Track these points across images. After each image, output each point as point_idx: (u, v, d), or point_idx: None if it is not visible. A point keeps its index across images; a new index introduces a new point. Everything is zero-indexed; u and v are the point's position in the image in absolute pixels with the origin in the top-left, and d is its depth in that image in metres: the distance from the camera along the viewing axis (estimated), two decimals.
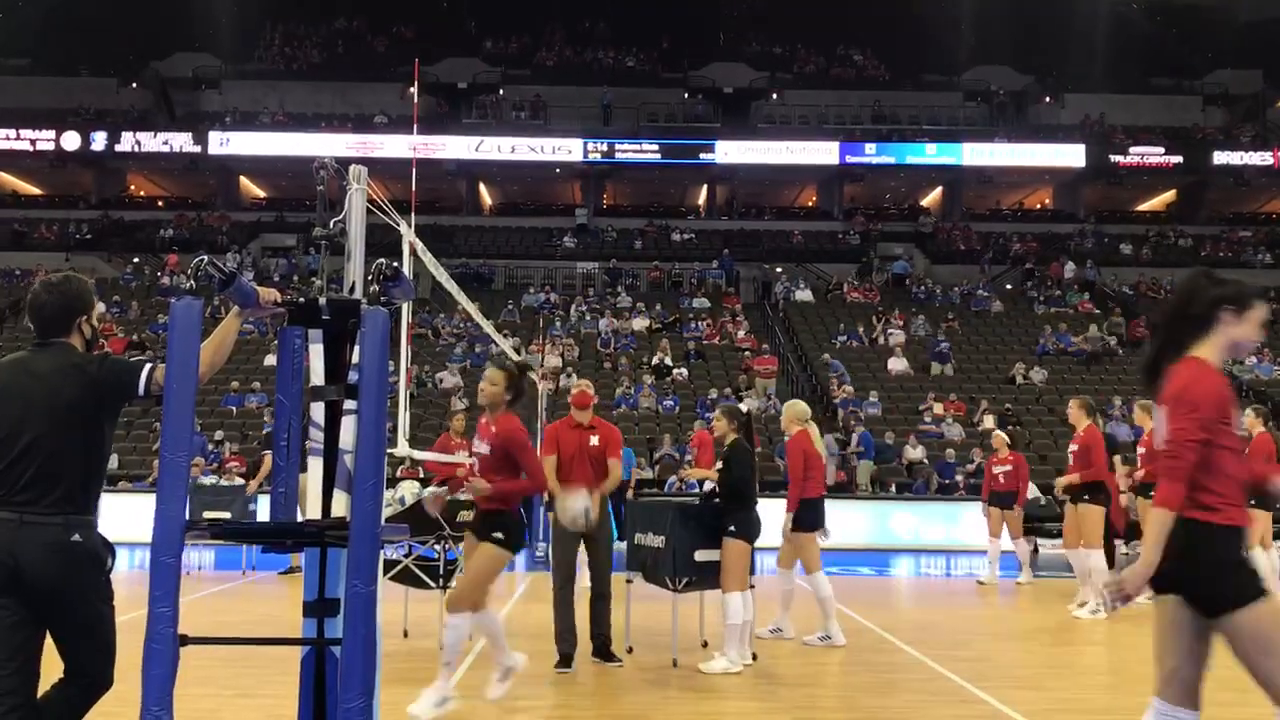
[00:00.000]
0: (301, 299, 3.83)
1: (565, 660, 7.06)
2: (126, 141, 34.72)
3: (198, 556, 14.10)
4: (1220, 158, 35.55)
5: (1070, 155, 35.53)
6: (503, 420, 5.92)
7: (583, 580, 7.46)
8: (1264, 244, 34.50)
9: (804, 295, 30.25)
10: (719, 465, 7.59)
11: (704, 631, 8.09)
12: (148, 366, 3.77)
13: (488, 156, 34.85)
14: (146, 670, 3.26)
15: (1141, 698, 6.53)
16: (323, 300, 3.78)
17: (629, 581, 7.80)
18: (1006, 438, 13.53)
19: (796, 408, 8.48)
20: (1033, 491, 19.31)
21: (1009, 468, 13.01)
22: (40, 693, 3.76)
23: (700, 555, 7.23)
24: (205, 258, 3.69)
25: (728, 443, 7.46)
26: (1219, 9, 43.03)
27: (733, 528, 7.20)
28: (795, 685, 6.85)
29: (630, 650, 7.62)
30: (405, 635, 8.19)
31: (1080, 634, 9.20)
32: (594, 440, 7.23)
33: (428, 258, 7.11)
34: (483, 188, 38.77)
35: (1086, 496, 10.42)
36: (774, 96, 38.36)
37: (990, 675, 7.14)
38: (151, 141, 34.86)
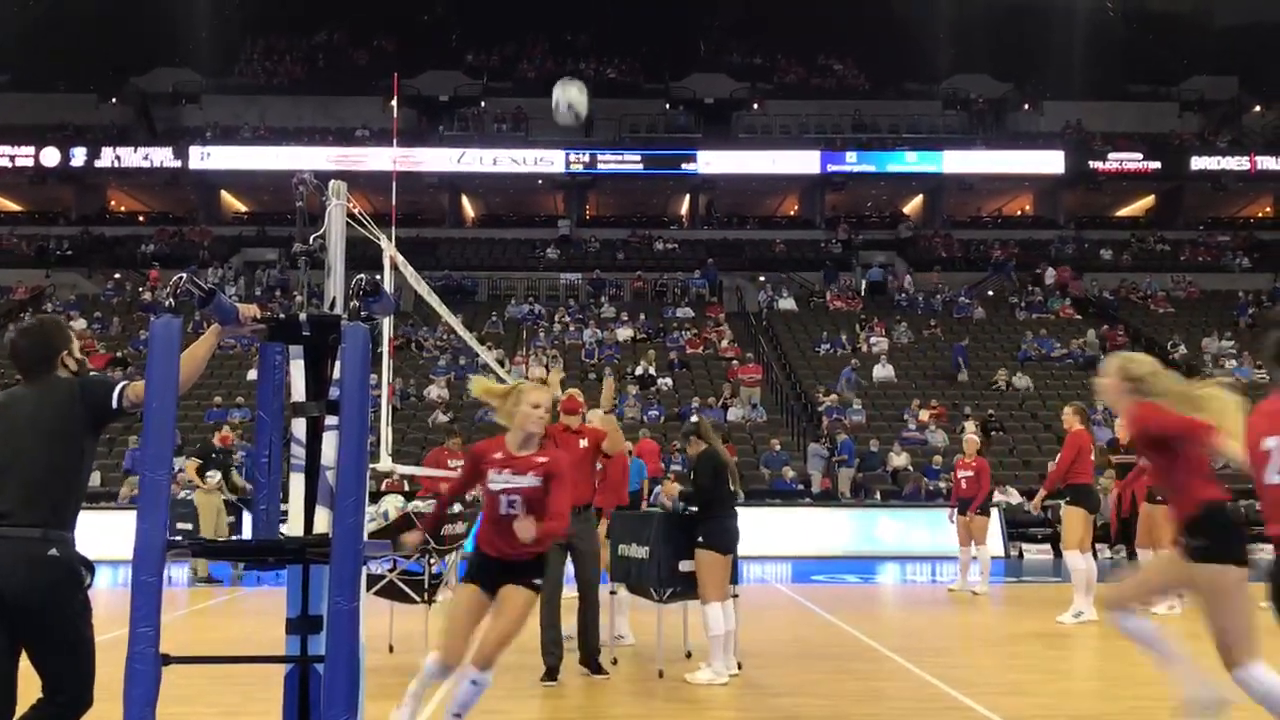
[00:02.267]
0: (281, 315, 3.83)
1: (551, 673, 7.05)
2: (106, 157, 34.54)
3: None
4: (1198, 163, 35.81)
5: (1049, 162, 35.74)
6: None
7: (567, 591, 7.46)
8: (1242, 248, 34.76)
9: (786, 304, 30.33)
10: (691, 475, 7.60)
11: (688, 642, 8.08)
12: (121, 383, 3.83)
13: (470, 168, 34.84)
14: (128, 690, 3.24)
15: (1129, 702, 6.57)
16: (303, 316, 3.77)
17: (613, 593, 7.80)
18: (978, 442, 13.44)
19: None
20: (1015, 497, 19.41)
21: (971, 473, 12.90)
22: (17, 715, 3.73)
23: (684, 566, 7.23)
24: (185, 275, 3.69)
25: (694, 454, 7.48)
26: (1195, 16, 43.47)
27: (701, 539, 7.21)
28: (783, 694, 6.85)
29: (615, 662, 7.61)
30: (391, 650, 8.15)
31: (1066, 640, 9.22)
32: (582, 443, 7.33)
33: (409, 271, 7.10)
34: (465, 200, 38.75)
35: (1068, 499, 10.43)
36: (755, 106, 38.50)
37: (976, 682, 7.15)
38: (132, 157, 34.70)
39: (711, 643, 7.10)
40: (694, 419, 7.87)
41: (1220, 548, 4.52)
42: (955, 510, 13.04)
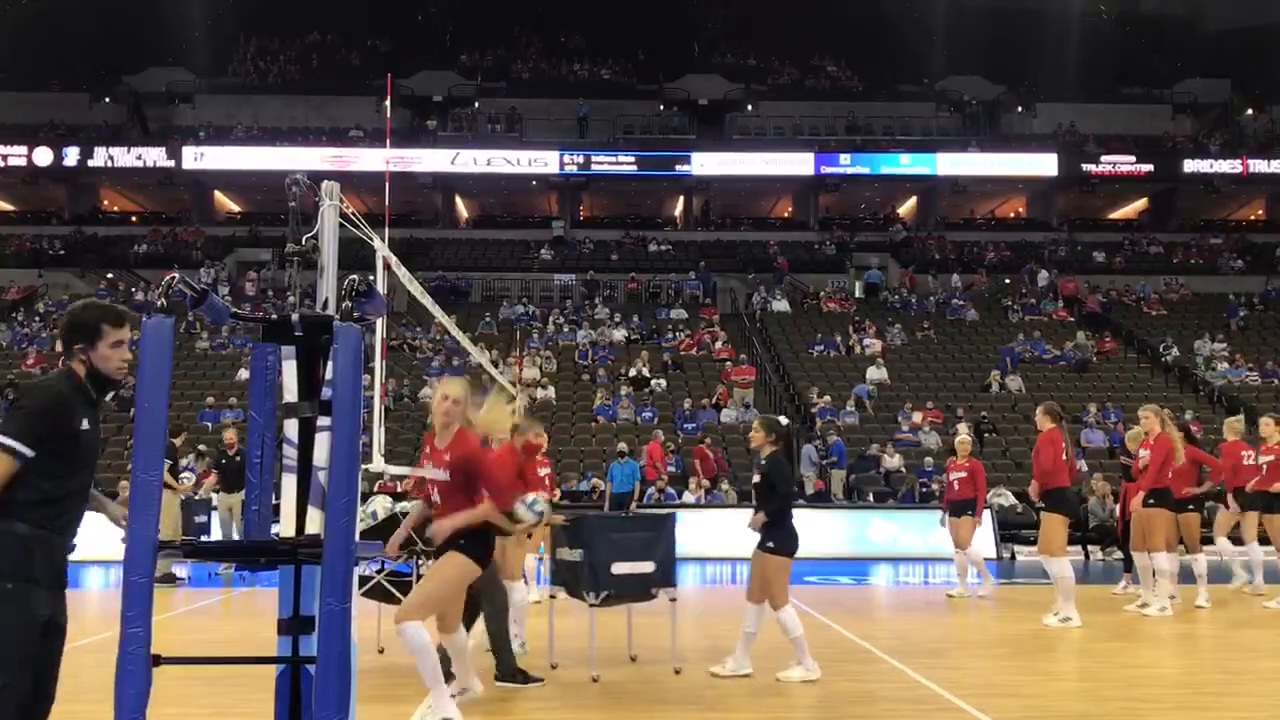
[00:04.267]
0: (274, 315, 3.82)
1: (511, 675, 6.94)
2: (99, 156, 34.51)
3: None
4: (1190, 166, 35.93)
5: (1043, 164, 35.82)
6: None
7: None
8: (1234, 250, 34.86)
9: (780, 305, 30.36)
10: (756, 478, 7.50)
11: (632, 645, 8.03)
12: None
13: (464, 169, 34.84)
14: (119, 691, 3.24)
15: (1119, 703, 6.59)
16: (295, 316, 3.77)
17: (552, 597, 7.66)
18: (969, 443, 13.31)
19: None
20: (1008, 499, 19.43)
21: (964, 474, 12.70)
22: None
23: (619, 568, 7.03)
24: (176, 275, 3.68)
25: (765, 455, 7.39)
26: (1188, 19, 43.60)
27: (770, 543, 7.20)
28: (775, 695, 6.86)
29: (555, 666, 7.49)
30: (381, 652, 8.14)
31: (1057, 641, 9.24)
32: (543, 472, 7.37)
33: (402, 272, 7.09)
34: (459, 200, 38.74)
35: (1044, 504, 10.34)
36: (749, 108, 38.54)
37: (968, 683, 7.17)
38: (125, 156, 34.66)
39: (795, 643, 7.17)
40: (784, 420, 7.71)
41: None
42: (946, 514, 12.86)
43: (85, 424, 3.70)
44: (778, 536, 7.20)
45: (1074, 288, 31.22)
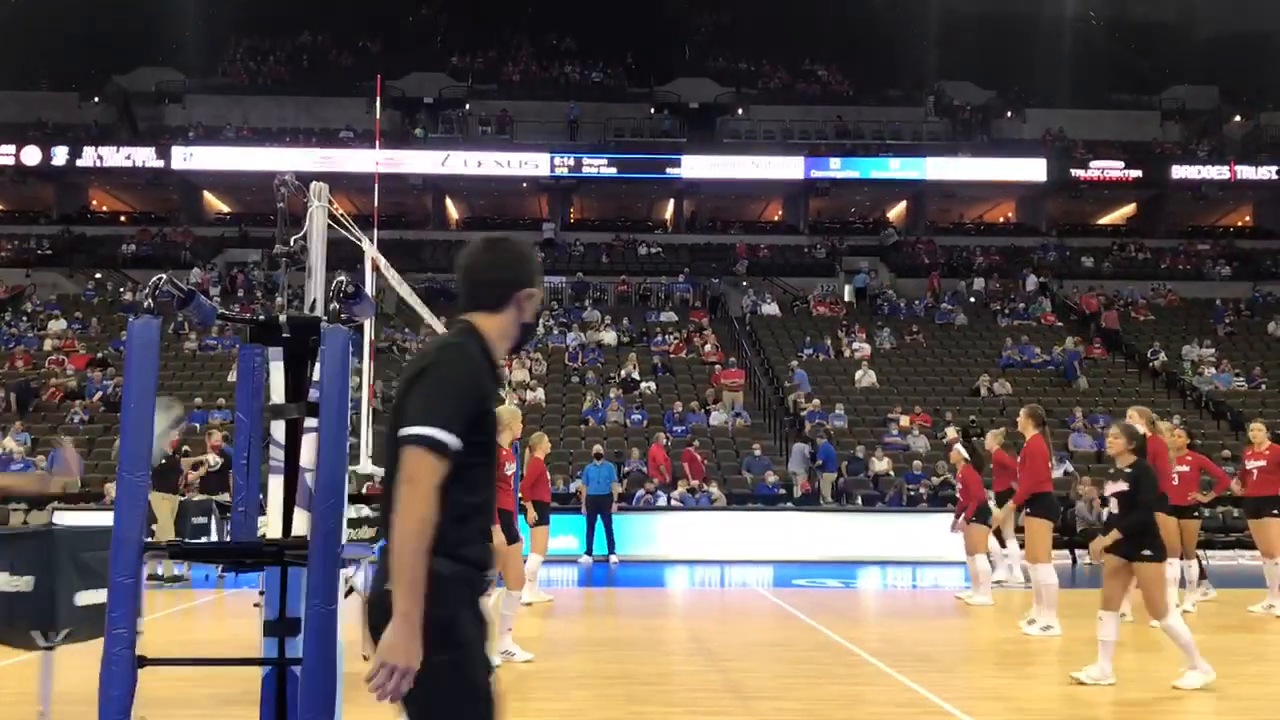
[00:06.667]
0: (262, 316, 3.82)
1: None
2: (88, 156, 34.35)
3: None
4: (1178, 172, 36.06)
5: (1032, 169, 35.90)
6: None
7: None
8: (1222, 256, 35.01)
9: (770, 309, 30.38)
10: (1120, 487, 7.23)
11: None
12: None
13: (454, 171, 34.78)
14: (104, 691, 3.23)
15: (1100, 708, 6.62)
16: (283, 318, 3.77)
17: None
18: (964, 452, 13.34)
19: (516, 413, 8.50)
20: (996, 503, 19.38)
21: (960, 484, 12.81)
22: None
23: (85, 598, 5.03)
24: (164, 276, 3.67)
25: (1126, 464, 7.26)
26: (1177, 26, 43.79)
27: (1148, 551, 7.14)
28: (763, 698, 6.87)
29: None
30: (366, 658, 8.11)
31: (1044, 646, 9.27)
32: None
33: (390, 273, 7.09)
34: (449, 202, 38.70)
35: (1029, 510, 10.37)
36: (739, 111, 38.56)
37: (955, 687, 7.19)
38: (114, 156, 34.51)
39: (1184, 648, 7.15)
40: (1143, 430, 7.55)
41: None
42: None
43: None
44: (1154, 544, 7.17)
45: (1096, 304, 30.69)
